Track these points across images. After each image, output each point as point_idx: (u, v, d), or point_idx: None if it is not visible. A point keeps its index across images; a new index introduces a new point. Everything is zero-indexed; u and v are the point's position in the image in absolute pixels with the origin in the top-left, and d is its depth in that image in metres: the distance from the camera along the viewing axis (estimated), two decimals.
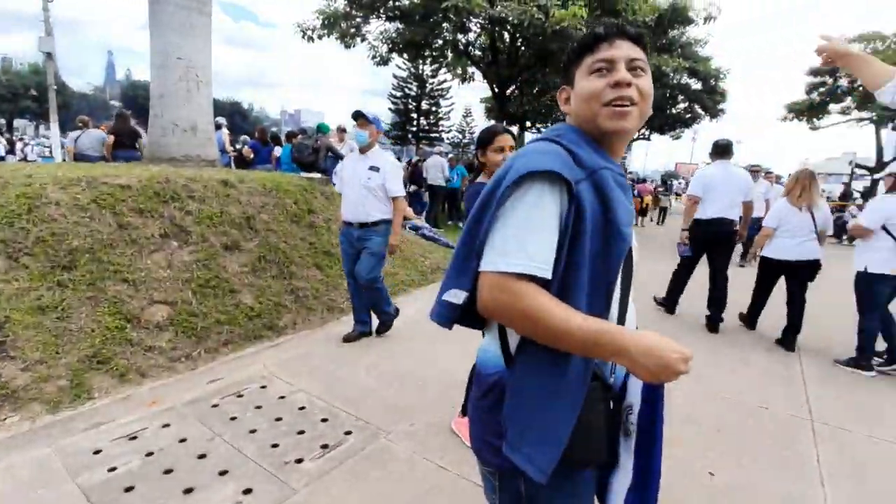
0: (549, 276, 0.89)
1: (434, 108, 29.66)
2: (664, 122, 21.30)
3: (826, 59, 1.63)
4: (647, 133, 22.82)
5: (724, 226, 4.53)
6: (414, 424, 2.69)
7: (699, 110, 20.85)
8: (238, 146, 9.51)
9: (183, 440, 2.47)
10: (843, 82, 20.75)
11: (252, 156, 8.05)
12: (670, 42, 16.74)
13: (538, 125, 21.17)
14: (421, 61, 16.74)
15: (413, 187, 10.51)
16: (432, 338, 4.00)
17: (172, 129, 5.55)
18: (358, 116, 3.70)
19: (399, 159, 18.51)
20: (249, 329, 3.78)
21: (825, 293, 5.75)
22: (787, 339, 4.22)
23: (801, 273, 4.21)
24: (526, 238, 0.88)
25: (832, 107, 22.33)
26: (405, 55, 12.80)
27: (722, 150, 4.69)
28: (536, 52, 11.54)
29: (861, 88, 20.18)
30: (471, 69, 14.86)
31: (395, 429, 2.65)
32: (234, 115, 47.20)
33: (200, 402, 2.87)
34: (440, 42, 11.82)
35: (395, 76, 28.65)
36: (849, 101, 21.55)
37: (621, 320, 0.99)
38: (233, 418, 2.70)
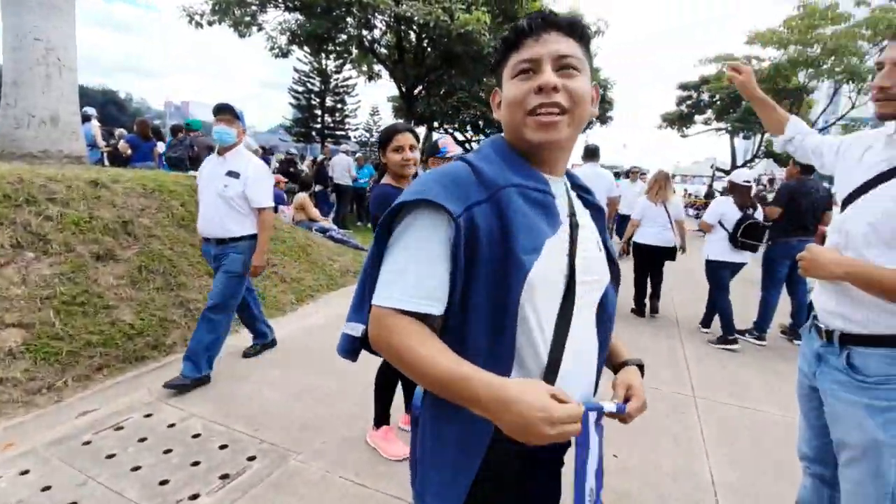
0: (433, 310, 0.80)
1: (339, 106, 28.61)
2: None
3: (732, 80, 1.76)
4: None
5: None
6: (326, 441, 2.54)
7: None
8: (113, 141, 8.37)
9: (47, 488, 2.08)
10: (705, 97, 23.87)
11: (129, 152, 7.12)
12: None
13: (445, 126, 21.53)
14: (324, 56, 16.13)
15: (319, 187, 10.07)
16: None
17: (28, 120, 4.72)
18: (220, 110, 3.11)
19: (303, 157, 17.74)
20: (129, 350, 3.31)
21: (702, 282, 6.50)
22: (652, 305, 5.27)
23: (662, 255, 5.14)
24: (407, 270, 0.80)
25: (697, 117, 25.59)
26: (306, 48, 12.21)
27: (591, 154, 5.74)
28: (442, 53, 11.68)
29: (719, 103, 23.46)
30: (377, 67, 14.65)
31: (305, 448, 2.48)
32: (107, 106, 41.65)
33: (68, 440, 2.44)
34: (344, 37, 11.46)
35: (296, 70, 27.18)
36: (709, 113, 24.86)
37: (557, 345, 0.87)
38: (110, 456, 2.33)
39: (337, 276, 5.55)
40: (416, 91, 13.54)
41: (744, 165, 28.09)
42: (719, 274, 4.55)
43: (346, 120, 29.52)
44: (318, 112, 28.04)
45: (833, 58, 16.34)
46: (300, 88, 27.98)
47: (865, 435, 1.26)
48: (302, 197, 7.26)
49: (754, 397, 3.38)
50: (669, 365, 3.88)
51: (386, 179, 2.26)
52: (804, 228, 4.42)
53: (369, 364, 3.51)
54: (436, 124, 21.11)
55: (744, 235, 4.35)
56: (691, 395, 3.33)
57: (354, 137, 31.22)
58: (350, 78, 26.98)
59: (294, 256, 5.42)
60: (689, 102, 25.21)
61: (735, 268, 4.60)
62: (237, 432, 2.60)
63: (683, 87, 24.90)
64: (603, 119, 22.93)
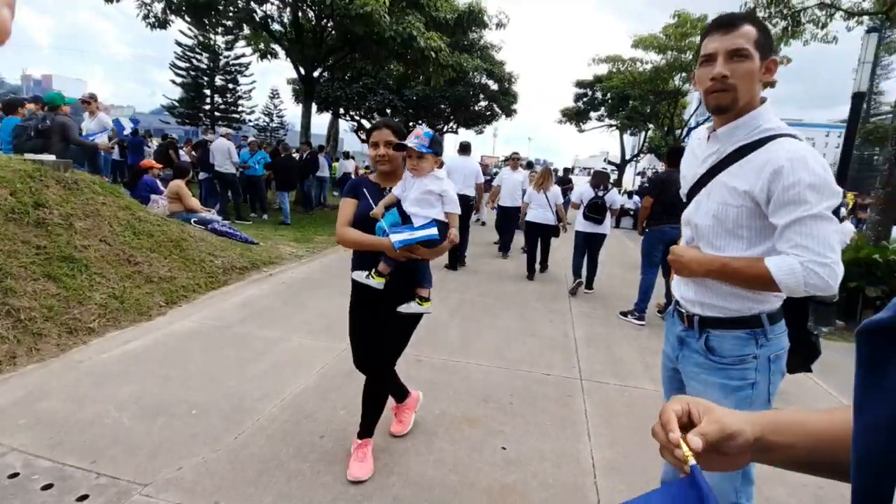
0: None
1: (231, 86, 26.23)
2: (469, 117, 23.13)
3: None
4: (454, 127, 24.49)
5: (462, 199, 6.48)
6: (182, 468, 2.19)
7: (497, 109, 23.27)
8: None
9: None
10: (598, 95, 25.67)
11: None
12: (471, 43, 18.19)
13: (352, 113, 20.76)
14: (211, 30, 14.61)
15: (203, 174, 9.10)
16: (215, 352, 3.43)
17: None
18: None
19: (188, 140, 16.02)
20: None
21: (604, 270, 6.86)
22: (542, 267, 6.85)
23: (546, 231, 6.57)
24: None
25: (592, 114, 27.45)
26: (187, 19, 10.92)
27: (464, 149, 7.06)
28: (343, 34, 11.11)
29: (610, 101, 25.36)
30: (274, 46, 13.60)
31: (154, 478, 2.11)
32: None
33: None
34: (233, 10, 10.41)
35: (179, 43, 24.33)
36: (602, 110, 26.81)
37: None
38: None
39: (218, 274, 4.99)
40: (316, 74, 12.77)
41: (631, 159, 30.85)
42: (581, 241, 6.00)
43: (240, 102, 27.14)
44: (207, 92, 25.45)
45: None
46: (184, 65, 25.14)
47: None
48: (177, 185, 6.44)
49: (633, 375, 3.59)
50: (562, 349, 4.00)
51: (373, 176, 2.30)
52: (674, 215, 4.80)
53: (242, 370, 3.17)
54: (341, 111, 20.27)
55: (588, 210, 5.81)
56: (578, 379, 3.44)
57: (251, 121, 28.90)
58: (243, 56, 24.78)
59: (164, 252, 4.77)
60: (584, 99, 26.94)
61: (592, 238, 5.96)
62: (68, 467, 2.15)
63: (579, 84, 26.53)
64: (508, 112, 23.64)
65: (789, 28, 9.71)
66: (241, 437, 2.43)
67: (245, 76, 26.46)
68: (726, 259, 1.31)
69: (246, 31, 13.44)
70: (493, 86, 21.72)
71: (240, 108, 27.40)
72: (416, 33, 9.62)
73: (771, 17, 9.70)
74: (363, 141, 24.61)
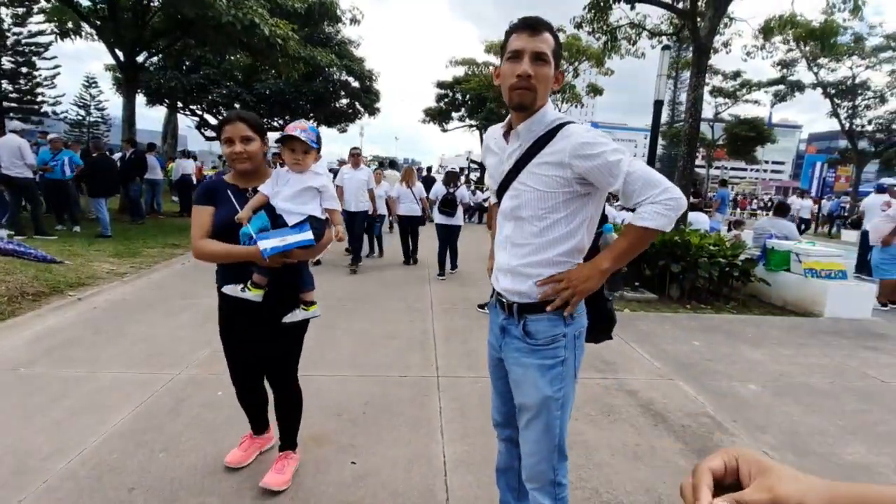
0: None
1: (26, 70, 21.24)
2: (330, 114, 22.31)
3: None
4: (315, 125, 23.42)
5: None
6: None
7: (359, 107, 22.84)
8: None
9: None
10: (458, 96, 26.79)
11: None
12: (327, 38, 17.50)
13: (192, 106, 18.51)
14: None
15: None
16: None
17: None
18: None
19: None
20: None
21: (463, 268, 7.05)
22: (414, 259, 7.60)
23: (414, 222, 7.45)
24: None
25: (454, 114, 28.56)
26: None
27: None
28: (171, 15, 9.76)
29: (469, 102, 26.64)
30: (83, 25, 11.39)
31: None
32: None
33: None
34: None
35: None
36: (463, 111, 28.05)
37: None
38: None
39: (1, 303, 3.97)
40: (140, 59, 11.04)
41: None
42: (440, 232, 6.85)
43: (40, 90, 22.15)
44: None
45: None
46: None
47: (539, 393, 1.44)
48: None
49: (485, 366, 3.73)
50: (421, 347, 4.00)
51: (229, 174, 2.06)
52: None
53: (32, 422, 2.54)
54: (179, 104, 17.95)
55: (441, 204, 6.75)
56: (435, 376, 3.46)
57: (57, 114, 23.82)
58: (40, 34, 20.17)
59: None
60: (446, 100, 27.89)
61: (448, 230, 6.83)
62: None
63: (440, 85, 27.38)
64: (371, 111, 23.36)
65: (609, 43, 11.20)
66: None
67: (45, 59, 21.51)
68: (611, 250, 1.41)
69: (43, 3, 11.05)
70: (354, 83, 21.25)
71: (39, 98, 22.35)
72: (258, 20, 8.85)
73: (594, 32, 11.08)
74: (208, 139, 22.16)
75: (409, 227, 7.52)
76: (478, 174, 29.59)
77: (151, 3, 10.10)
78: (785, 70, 23.72)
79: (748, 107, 28.66)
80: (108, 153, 8.64)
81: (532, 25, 1.35)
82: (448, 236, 6.84)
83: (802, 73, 23.76)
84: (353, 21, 13.48)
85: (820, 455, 2.68)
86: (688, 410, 3.13)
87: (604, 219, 1.62)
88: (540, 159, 1.38)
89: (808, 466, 2.54)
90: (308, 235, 1.83)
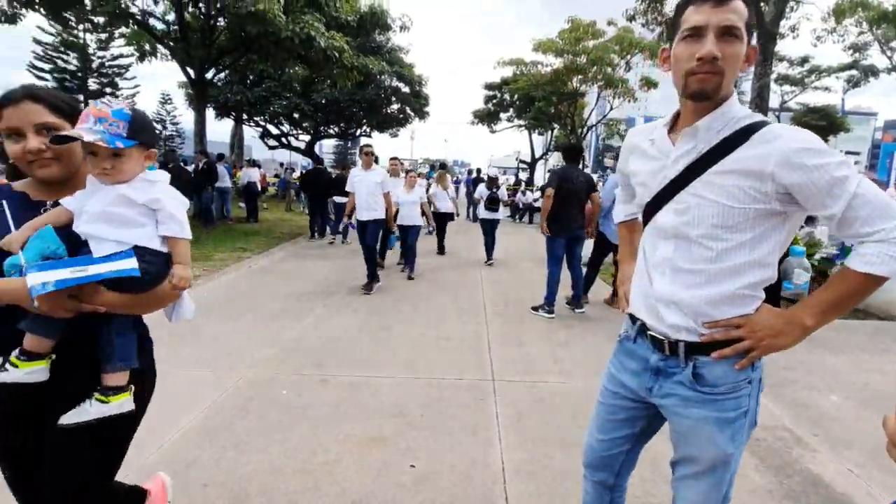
0: None
1: (110, 90, 23.41)
2: (382, 120, 22.86)
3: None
4: (368, 130, 24.08)
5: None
6: None
7: (410, 112, 23.25)
8: None
9: None
10: (507, 96, 26.59)
11: None
12: (378, 46, 17.95)
13: (256, 119, 19.59)
14: (78, 27, 13.02)
15: None
16: None
17: None
18: None
19: None
20: None
21: (514, 270, 6.99)
22: (489, 255, 8.15)
23: (445, 218, 8.82)
24: None
25: (503, 115, 28.39)
26: (43, 12, 9.58)
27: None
28: (236, 34, 10.39)
29: (518, 103, 26.38)
30: (158, 47, 12.38)
31: None
32: None
33: None
34: (101, 5, 9.29)
35: (37, 41, 21.18)
36: (511, 111, 27.83)
37: None
38: None
39: None
40: (209, 76, 11.84)
41: (541, 158, 32.40)
42: (485, 225, 8.22)
43: None
44: (80, 98, 22.59)
45: (595, 67, 19.68)
46: (46, 66, 22.00)
47: (717, 450, 1.19)
48: None
49: (542, 370, 3.65)
50: (475, 351, 3.98)
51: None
52: (573, 210, 5.05)
53: None
54: (244, 116, 19.06)
55: (488, 201, 8.25)
56: (490, 380, 3.43)
57: None
58: (122, 56, 22.18)
59: None
60: (494, 101, 27.78)
61: (492, 223, 8.19)
62: None
63: (488, 86, 27.31)
64: (421, 114, 23.70)
65: (664, 33, 10.71)
66: None
67: (126, 79, 23.70)
68: (819, 301, 1.11)
69: (124, 29, 12.12)
70: (405, 88, 21.66)
71: None
72: (315, 34, 9.23)
73: (648, 24, 10.65)
74: (271, 148, 23.36)
75: (442, 222, 8.84)
76: (527, 174, 29.27)
77: (218, 23, 10.79)
78: (857, 54, 21.58)
79: (818, 94, 26.22)
80: (182, 164, 9.31)
81: None
82: (492, 228, 8.18)
83: (876, 56, 21.53)
84: (403, 28, 13.74)
85: None
86: (763, 423, 2.89)
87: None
88: (725, 166, 1.10)
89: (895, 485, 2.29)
90: (127, 264, 1.14)
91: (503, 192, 9.03)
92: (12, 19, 9.11)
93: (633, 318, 1.34)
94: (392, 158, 7.29)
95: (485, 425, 2.81)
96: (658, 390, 1.26)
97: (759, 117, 1.14)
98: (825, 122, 25.67)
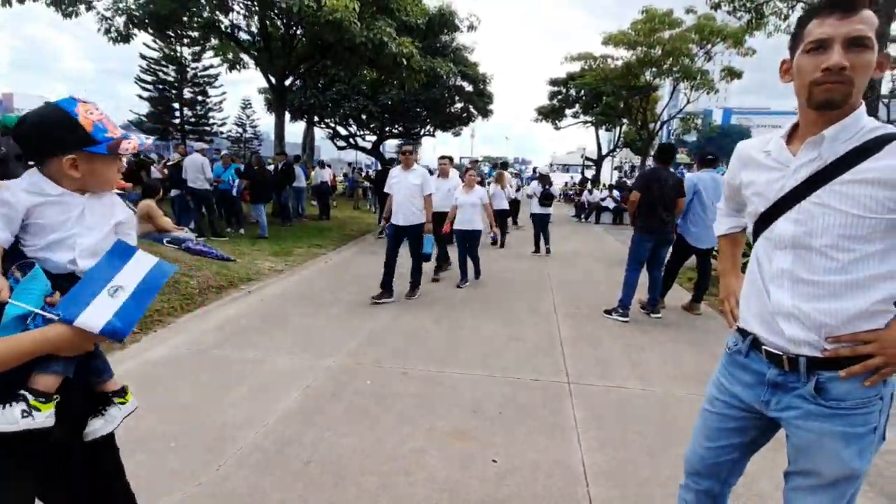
0: None
1: (201, 98, 25.69)
2: (445, 119, 23.13)
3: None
4: (431, 130, 24.46)
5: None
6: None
7: (473, 110, 23.33)
8: None
9: None
10: (573, 92, 25.95)
11: None
12: (443, 46, 18.18)
13: (327, 120, 20.56)
14: (177, 42, 14.31)
15: (175, 191, 8.86)
16: (192, 378, 3.32)
17: None
18: None
19: (161, 157, 15.67)
20: None
21: (580, 269, 6.87)
22: (546, 244, 8.96)
23: (504, 215, 9.74)
24: None
25: (567, 111, 27.73)
26: (150, 31, 10.67)
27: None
28: (313, 41, 10.98)
29: (584, 98, 25.64)
30: (243, 56, 13.38)
31: None
32: None
33: None
34: (197, 21, 10.20)
35: (143, 57, 23.71)
36: (577, 107, 27.10)
37: None
38: None
39: (194, 295, 4.85)
40: (287, 82, 12.60)
41: (608, 155, 31.29)
42: (538, 220, 8.93)
43: (211, 114, 26.65)
44: (176, 105, 24.89)
45: (671, 59, 18.67)
46: (150, 78, 24.48)
47: (843, 466, 1.15)
48: (146, 205, 6.25)
49: (620, 374, 3.58)
50: (549, 352, 3.98)
51: None
52: (661, 212, 4.87)
53: (224, 397, 3.05)
54: (316, 119, 20.07)
55: (542, 197, 8.79)
56: (566, 382, 3.42)
57: (223, 133, 28.38)
58: (211, 67, 24.31)
59: None
60: (559, 97, 27.19)
61: (545, 217, 8.88)
62: None
63: (553, 82, 26.77)
64: (484, 113, 23.70)
65: (753, 21, 9.96)
66: (223, 470, 2.34)
67: (214, 87, 25.96)
68: None
69: (213, 41, 13.20)
70: (468, 87, 21.74)
71: (211, 121, 26.89)
72: (387, 39, 9.55)
73: (735, 11, 9.95)
74: (340, 148, 24.41)
75: (503, 217, 9.55)
76: (593, 172, 28.39)
77: (297, 32, 11.45)
78: None
79: None
80: (265, 166, 10.02)
81: (844, 3, 1.06)
82: (544, 222, 8.88)
83: None
84: (471, 28, 13.83)
85: None
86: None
87: None
88: (856, 175, 1.08)
89: None
90: (154, 261, 1.16)
91: (554, 189, 9.53)
92: (125, 39, 10.24)
93: (742, 332, 1.32)
94: (441, 157, 6.75)
95: (563, 427, 2.82)
96: (776, 404, 1.23)
97: (891, 129, 1.10)
98: None
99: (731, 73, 19.13)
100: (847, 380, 1.12)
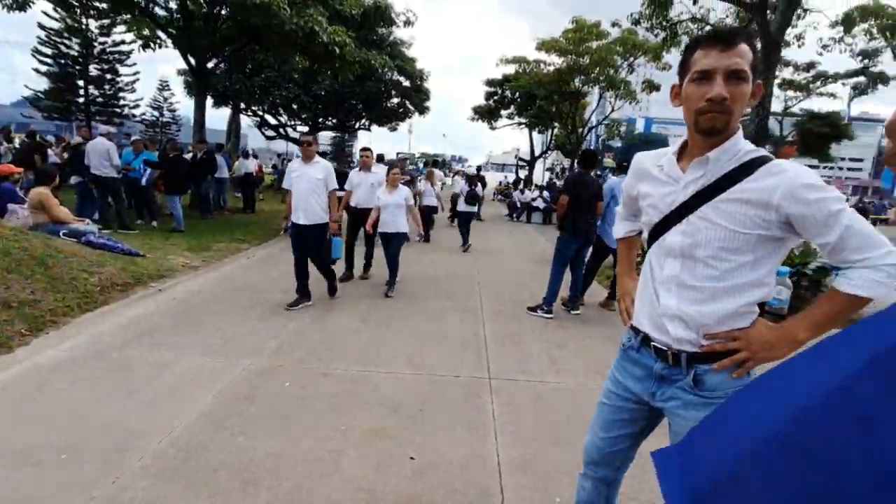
0: None
1: (110, 76, 23.22)
2: (381, 114, 22.83)
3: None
4: (367, 124, 24.05)
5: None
6: None
7: (410, 106, 23.22)
8: None
9: None
10: (508, 94, 26.61)
11: None
12: (380, 40, 17.91)
13: (254, 108, 19.52)
14: (82, 13, 12.92)
15: (76, 178, 8.00)
16: (90, 384, 3.06)
17: None
18: None
19: (60, 139, 14.05)
20: None
21: (510, 269, 7.07)
22: (465, 241, 9.26)
23: (432, 211, 10.15)
24: None
25: (503, 112, 28.39)
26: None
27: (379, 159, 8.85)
28: (239, 24, 10.37)
29: (519, 100, 26.40)
30: (160, 34, 12.31)
31: None
32: None
33: None
34: None
35: (42, 26, 20.96)
36: (512, 108, 27.83)
37: None
38: None
39: (95, 293, 4.43)
40: (210, 65, 11.80)
41: (540, 156, 32.49)
42: (463, 217, 9.52)
43: (122, 94, 24.16)
44: (81, 83, 22.32)
45: (598, 68, 19.74)
46: (49, 51, 21.79)
47: None
48: (39, 192, 5.58)
49: (539, 369, 3.76)
50: (473, 349, 4.09)
51: None
52: (588, 215, 5.16)
53: (127, 402, 2.83)
54: (242, 105, 18.99)
55: (468, 197, 9.61)
56: (487, 378, 3.53)
57: (136, 116, 25.90)
58: (123, 43, 22.00)
59: (24, 272, 4.14)
60: (495, 98, 27.76)
61: (468, 215, 9.51)
62: None
63: (490, 83, 27.29)
64: (421, 109, 23.69)
65: (668, 38, 10.79)
66: (120, 481, 2.18)
67: (127, 66, 23.47)
68: (808, 316, 1.22)
69: (125, 15, 12.05)
70: (406, 82, 21.62)
71: (121, 102, 24.35)
72: (318, 28, 9.24)
73: (653, 28, 10.72)
74: (269, 138, 23.30)
75: (430, 215, 9.94)
76: (526, 172, 29.35)
77: (221, 13, 10.75)
78: (867, 60, 21.79)
79: (822, 100, 26.31)
80: (181, 153, 9.31)
81: (724, 39, 1.18)
82: (468, 220, 9.52)
83: (888, 62, 21.77)
84: (407, 23, 13.74)
85: None
86: None
87: None
88: (733, 195, 1.21)
89: None
90: None
91: (479, 189, 10.39)
92: (22, 6, 9.06)
93: (635, 330, 1.45)
94: (363, 149, 6.51)
95: (482, 422, 2.92)
96: (661, 395, 1.37)
97: (762, 152, 1.25)
98: (828, 129, 25.80)
99: (651, 86, 20.60)
100: (719, 372, 1.27)
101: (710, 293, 1.26)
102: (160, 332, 3.98)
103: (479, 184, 10.21)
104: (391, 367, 3.61)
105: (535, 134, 30.42)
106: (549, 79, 21.49)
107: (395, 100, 22.58)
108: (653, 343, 1.37)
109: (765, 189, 1.18)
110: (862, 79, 23.28)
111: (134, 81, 24.33)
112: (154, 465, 2.31)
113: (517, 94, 25.45)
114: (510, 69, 23.65)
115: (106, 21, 16.75)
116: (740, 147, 1.24)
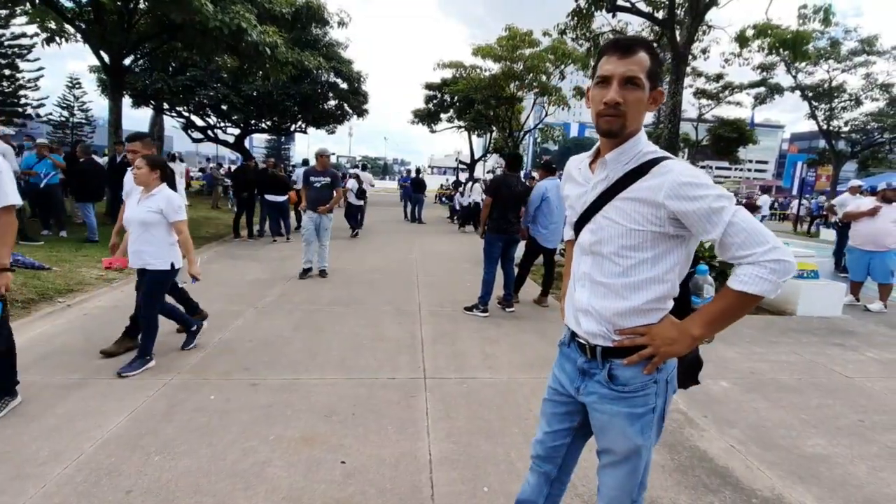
0: None
1: (9, 73, 20.97)
2: (318, 116, 22.29)
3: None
4: (303, 126, 23.40)
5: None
6: None
7: (348, 108, 22.85)
8: None
9: None
10: (447, 97, 26.92)
11: None
12: (315, 40, 17.51)
13: (179, 108, 18.39)
14: None
15: None
16: None
17: None
18: None
19: None
20: None
21: (446, 267, 7.15)
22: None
23: (356, 209, 11.68)
24: None
25: (443, 115, 28.67)
26: None
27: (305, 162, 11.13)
28: (158, 20, 9.75)
29: (457, 104, 26.81)
30: (68, 27, 11.29)
31: None
32: None
33: None
34: None
35: None
36: (451, 112, 28.18)
37: None
38: None
39: None
40: (127, 62, 10.99)
41: (480, 159, 33.14)
42: (354, 210, 11.10)
43: (23, 92, 21.92)
44: None
45: (531, 74, 20.46)
46: None
47: (628, 442, 1.35)
48: None
49: (472, 366, 3.86)
50: (409, 350, 4.11)
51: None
52: (511, 214, 5.34)
53: (27, 430, 2.58)
54: (165, 105, 17.83)
55: (357, 194, 11.23)
56: (422, 378, 3.58)
57: (39, 116, 23.52)
58: (24, 36, 20.00)
59: None
60: (434, 101, 27.99)
61: (358, 208, 11.37)
62: None
63: (429, 86, 27.48)
64: (360, 112, 23.38)
65: (592, 49, 11.42)
66: None
67: (28, 61, 21.37)
68: (703, 314, 1.28)
69: (26, 6, 10.95)
70: (343, 85, 21.27)
71: (23, 101, 22.06)
72: (246, 25, 8.89)
73: (578, 39, 11.30)
74: (195, 140, 22.01)
75: (354, 211, 11.50)
76: (466, 175, 29.83)
77: (138, 7, 10.06)
78: (765, 73, 24.28)
79: (731, 108, 29.10)
80: (94, 157, 8.60)
81: (622, 47, 1.24)
82: (357, 212, 11.39)
83: (782, 76, 24.40)
84: (341, 24, 13.55)
85: (783, 448, 2.86)
86: None
87: (695, 259, 1.44)
88: (628, 194, 1.28)
89: (771, 458, 2.72)
90: None
91: (367, 186, 12.54)
92: None
93: (568, 326, 1.52)
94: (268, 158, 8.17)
95: (414, 420, 2.96)
96: (584, 390, 1.43)
97: (661, 153, 1.31)
98: (736, 134, 28.46)
99: (581, 93, 21.61)
100: (630, 367, 1.33)
101: (615, 289, 1.33)
102: (68, 352, 3.67)
103: (364, 182, 12.27)
104: (325, 372, 3.56)
105: (474, 137, 30.99)
106: (485, 83, 21.99)
107: (333, 102, 22.14)
108: (577, 338, 1.44)
109: (652, 188, 1.24)
110: (762, 89, 25.89)
111: (37, 78, 22.13)
112: (59, 493, 2.14)
113: (455, 98, 25.79)
114: (448, 73, 23.96)
115: (3, 12, 15.07)
116: (640, 149, 1.30)
